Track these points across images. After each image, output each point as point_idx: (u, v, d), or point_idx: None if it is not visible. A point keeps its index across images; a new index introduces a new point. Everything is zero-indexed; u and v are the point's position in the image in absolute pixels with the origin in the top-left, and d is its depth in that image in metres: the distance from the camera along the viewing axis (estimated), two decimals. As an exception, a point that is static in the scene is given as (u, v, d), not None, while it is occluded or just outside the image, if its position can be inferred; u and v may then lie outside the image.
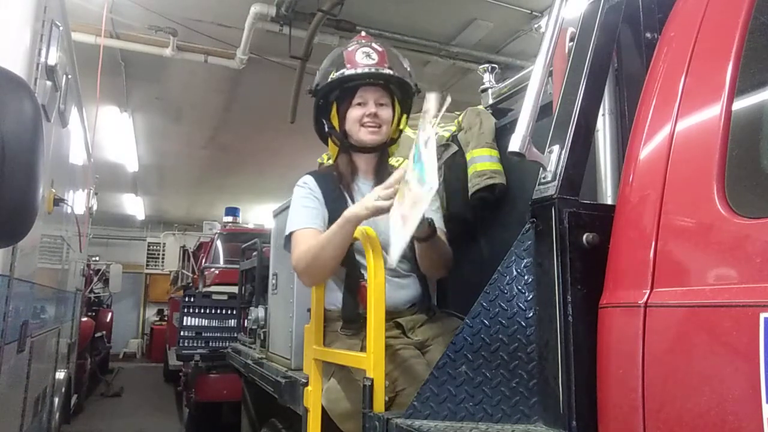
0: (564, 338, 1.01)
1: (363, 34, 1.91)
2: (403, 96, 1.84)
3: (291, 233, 1.71)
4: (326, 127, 1.86)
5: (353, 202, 1.71)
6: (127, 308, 15.39)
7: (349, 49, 1.79)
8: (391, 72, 1.77)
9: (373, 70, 1.73)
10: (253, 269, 3.71)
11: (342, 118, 1.78)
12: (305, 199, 1.75)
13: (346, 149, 1.82)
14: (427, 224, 1.54)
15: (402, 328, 1.72)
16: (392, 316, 1.68)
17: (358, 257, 1.68)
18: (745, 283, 0.78)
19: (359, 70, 1.73)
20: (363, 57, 1.75)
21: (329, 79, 1.77)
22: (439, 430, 1.07)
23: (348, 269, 1.71)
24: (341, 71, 1.75)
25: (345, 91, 1.77)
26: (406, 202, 1.29)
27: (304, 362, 1.97)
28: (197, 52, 5.39)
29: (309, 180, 1.80)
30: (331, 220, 1.64)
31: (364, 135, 1.74)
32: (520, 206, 1.86)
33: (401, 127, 1.87)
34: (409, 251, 1.70)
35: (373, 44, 1.80)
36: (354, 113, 1.75)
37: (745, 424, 0.74)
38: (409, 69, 1.88)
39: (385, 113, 1.76)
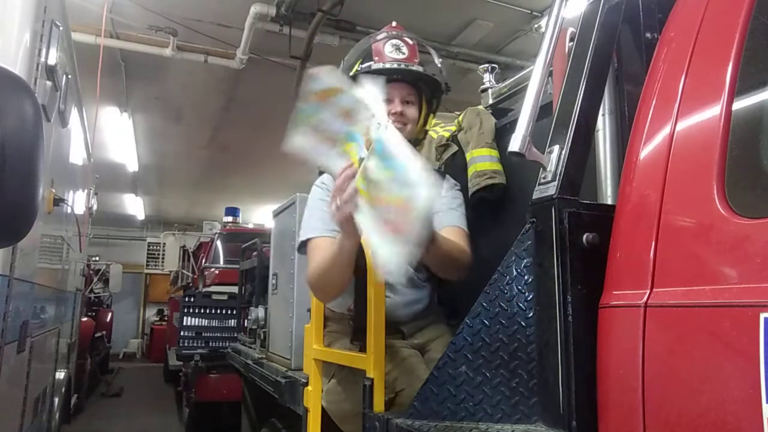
0: (564, 338, 1.01)
1: (394, 24, 1.75)
2: (431, 95, 1.73)
3: (306, 240, 1.61)
4: None
5: None
6: (127, 308, 15.40)
7: (378, 39, 1.66)
8: (422, 69, 1.64)
9: (402, 65, 1.61)
10: (253, 269, 3.72)
11: None
12: (323, 202, 1.60)
13: None
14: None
15: (403, 334, 1.70)
16: (396, 325, 1.66)
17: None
18: (745, 283, 0.78)
19: (387, 65, 1.60)
20: (392, 50, 1.63)
21: (353, 71, 1.63)
22: (439, 430, 1.07)
23: (360, 276, 1.58)
24: (368, 63, 1.62)
25: None
26: (387, 207, 1.10)
27: (304, 362, 1.97)
28: (197, 52, 5.39)
29: (328, 180, 1.63)
30: None
31: None
32: (520, 206, 1.85)
33: (427, 127, 1.76)
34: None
35: (405, 36, 1.67)
36: None
37: (745, 424, 0.74)
38: (440, 65, 1.75)
39: (411, 112, 1.65)
